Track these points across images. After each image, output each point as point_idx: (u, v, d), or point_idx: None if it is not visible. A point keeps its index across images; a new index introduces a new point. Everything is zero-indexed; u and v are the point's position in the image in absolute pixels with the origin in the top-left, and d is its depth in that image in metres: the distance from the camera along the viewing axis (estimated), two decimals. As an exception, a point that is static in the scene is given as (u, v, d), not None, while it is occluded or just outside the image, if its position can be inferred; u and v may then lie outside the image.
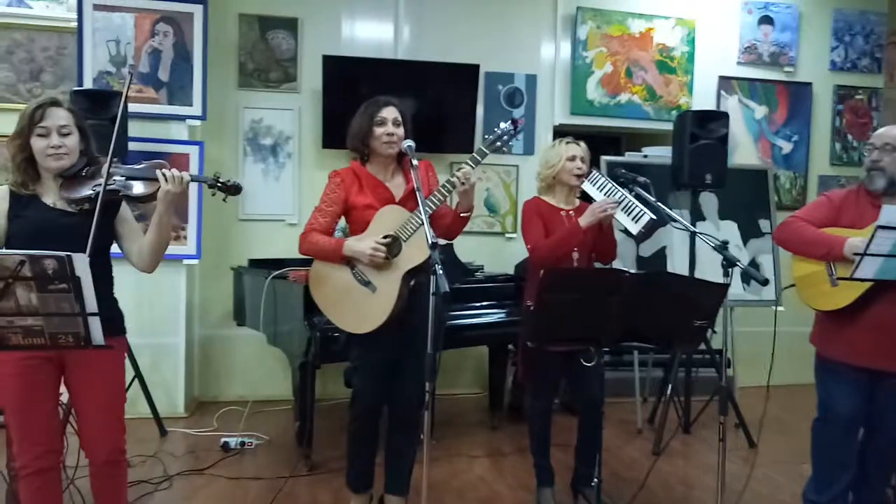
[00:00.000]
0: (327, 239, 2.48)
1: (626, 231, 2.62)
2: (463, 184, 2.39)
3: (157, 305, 4.09)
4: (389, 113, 2.48)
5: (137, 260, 2.10)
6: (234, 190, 2.11)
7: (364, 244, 2.41)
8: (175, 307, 4.14)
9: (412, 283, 2.46)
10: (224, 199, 2.16)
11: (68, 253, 1.55)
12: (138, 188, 2.04)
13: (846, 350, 2.40)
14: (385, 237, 2.44)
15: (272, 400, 4.30)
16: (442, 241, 3.61)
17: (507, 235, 4.89)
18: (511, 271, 4.42)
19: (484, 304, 3.86)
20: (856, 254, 2.17)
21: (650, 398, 4.43)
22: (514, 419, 4.18)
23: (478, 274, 4.20)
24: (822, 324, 2.53)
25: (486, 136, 2.48)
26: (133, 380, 3.64)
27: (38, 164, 1.99)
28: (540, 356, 2.63)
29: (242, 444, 3.55)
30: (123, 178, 2.03)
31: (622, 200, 2.55)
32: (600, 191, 2.67)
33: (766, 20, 5.13)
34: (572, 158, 2.72)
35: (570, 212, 2.75)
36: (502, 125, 2.43)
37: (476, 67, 4.60)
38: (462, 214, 2.51)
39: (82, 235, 1.83)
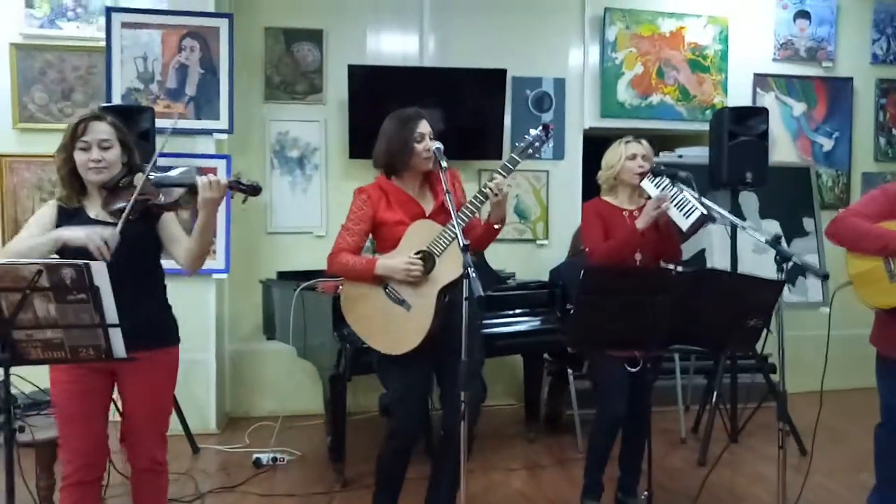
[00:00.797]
0: (358, 258, 2.40)
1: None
2: (496, 195, 2.30)
3: (186, 320, 3.92)
4: (425, 127, 2.41)
5: (182, 262, 2.12)
6: (253, 190, 2.06)
7: (398, 261, 2.32)
8: (205, 322, 4.11)
9: (446, 299, 2.36)
10: (243, 202, 2.11)
11: (86, 261, 1.50)
12: (173, 195, 2.05)
13: None
14: (417, 253, 2.34)
15: (304, 415, 4.24)
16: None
17: (539, 242, 4.78)
18: (542, 278, 4.30)
19: (517, 312, 3.76)
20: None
21: (692, 406, 4.26)
22: (551, 431, 4.06)
23: (510, 281, 4.10)
24: (883, 323, 2.38)
25: (517, 144, 2.42)
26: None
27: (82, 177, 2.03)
28: (606, 366, 2.53)
29: (274, 460, 3.49)
30: (157, 186, 2.04)
31: (675, 195, 2.44)
32: (657, 188, 2.57)
33: (803, 15, 4.96)
34: (632, 157, 2.64)
35: (634, 212, 2.65)
36: (532, 132, 2.38)
37: (503, 72, 4.53)
38: (495, 226, 2.40)
39: (122, 247, 1.88)
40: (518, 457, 3.63)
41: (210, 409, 4.10)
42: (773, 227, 4.08)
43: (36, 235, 1.97)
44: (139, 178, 2.00)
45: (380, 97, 4.20)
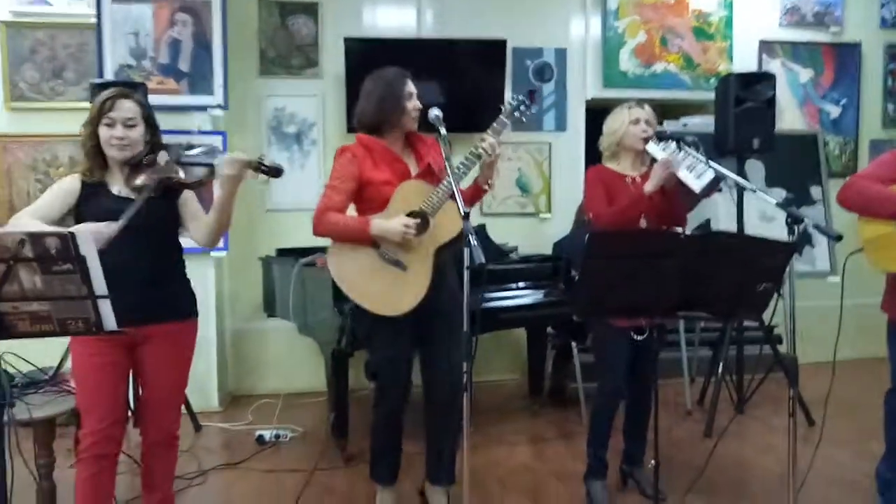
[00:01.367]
0: (349, 217, 2.35)
1: (684, 190, 2.44)
2: (490, 155, 2.29)
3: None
4: (412, 87, 2.42)
5: (199, 237, 2.15)
6: (275, 172, 2.06)
7: (395, 222, 2.28)
8: (205, 301, 3.98)
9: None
10: (266, 182, 2.10)
11: (71, 230, 1.45)
12: (194, 174, 2.07)
13: None
14: (410, 213, 2.30)
15: (307, 392, 4.22)
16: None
17: (542, 216, 4.72)
18: (545, 252, 4.25)
19: (520, 285, 3.71)
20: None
21: (698, 378, 4.22)
22: (555, 404, 4.03)
23: (512, 255, 4.05)
24: (893, 288, 2.31)
25: (502, 107, 2.40)
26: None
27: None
28: (609, 337, 2.49)
29: (277, 436, 3.47)
30: (178, 165, 2.07)
31: (686, 158, 2.37)
32: (663, 150, 2.49)
33: (810, -22, 4.84)
34: (636, 122, 2.56)
35: (637, 178, 2.58)
36: (517, 96, 2.39)
37: (503, 43, 4.44)
38: (483, 188, 2.39)
39: (141, 221, 1.94)
40: (522, 430, 3.61)
41: (212, 388, 4.08)
42: (780, 195, 4.01)
43: (55, 204, 2.01)
44: (162, 157, 2.04)
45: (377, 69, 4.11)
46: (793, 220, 1.88)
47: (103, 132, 2.01)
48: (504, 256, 3.95)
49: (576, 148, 4.70)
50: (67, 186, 2.05)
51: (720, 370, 3.62)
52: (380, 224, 2.29)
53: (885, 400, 2.42)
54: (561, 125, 4.69)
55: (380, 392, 2.46)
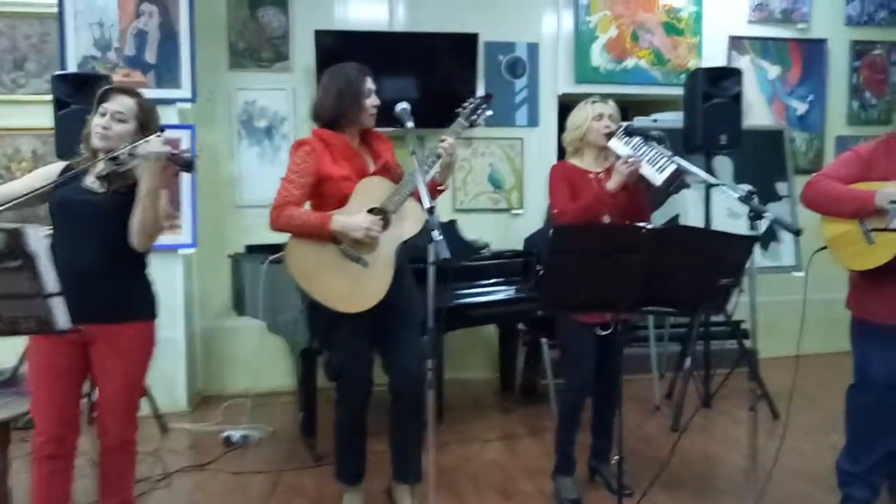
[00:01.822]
0: (309, 212, 2.32)
1: (649, 186, 2.45)
2: (450, 155, 2.31)
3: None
4: (372, 84, 2.40)
5: (131, 238, 2.04)
6: (185, 166, 2.04)
7: (358, 219, 2.26)
8: (172, 299, 3.99)
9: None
10: (175, 174, 2.06)
11: (19, 225, 1.41)
12: (132, 162, 2.01)
13: (887, 311, 2.24)
14: (371, 210, 2.29)
15: (278, 391, 4.18)
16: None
17: (514, 211, 4.71)
18: (518, 247, 4.25)
19: (491, 281, 3.71)
20: (892, 202, 1.99)
21: (667, 374, 4.26)
22: (527, 401, 4.04)
23: (484, 251, 4.04)
24: (858, 286, 2.36)
25: (458, 110, 2.42)
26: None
27: None
28: (574, 332, 2.49)
29: (245, 437, 3.42)
30: (130, 155, 2.00)
31: (648, 153, 2.38)
32: (627, 147, 2.49)
33: (777, -24, 4.89)
34: (599, 117, 2.56)
35: (601, 174, 2.57)
36: (473, 99, 2.43)
37: (474, 37, 4.42)
38: (440, 188, 2.40)
39: (96, 214, 1.97)
40: (493, 427, 3.61)
41: (181, 388, 4.02)
42: (748, 190, 4.05)
43: (27, 185, 1.99)
44: (126, 148, 1.99)
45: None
46: (754, 215, 1.90)
47: (94, 120, 2.02)
48: (475, 252, 3.94)
49: (548, 143, 4.69)
50: (45, 172, 2.06)
51: (687, 365, 3.65)
52: (342, 220, 2.26)
53: (847, 395, 2.45)
54: (533, 120, 4.69)
55: (342, 391, 2.44)
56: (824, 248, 2.34)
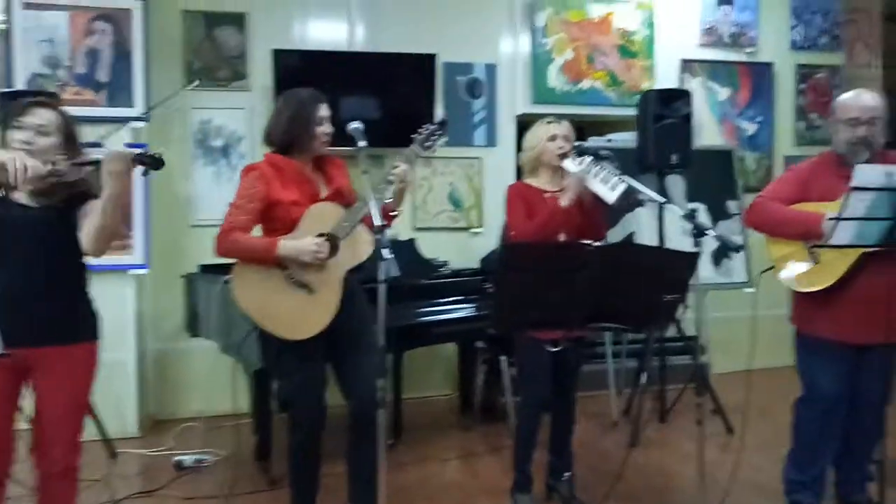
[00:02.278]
0: (256, 238, 2.29)
1: (603, 204, 2.49)
2: (402, 182, 2.31)
3: (103, 319, 3.85)
4: (325, 111, 2.38)
5: (86, 243, 1.99)
6: (155, 163, 1.99)
7: (306, 242, 2.23)
8: (123, 321, 3.90)
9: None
10: (144, 174, 2.03)
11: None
12: (82, 172, 1.98)
13: (831, 327, 2.30)
14: (320, 235, 2.27)
15: (233, 414, 4.07)
16: (387, 236, 3.46)
17: (473, 230, 4.74)
18: (477, 266, 4.27)
19: (450, 300, 3.71)
20: (831, 218, 2.06)
21: (625, 389, 4.30)
22: (487, 419, 4.03)
23: (442, 270, 4.04)
24: (802, 303, 2.42)
25: (415, 136, 2.43)
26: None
27: None
28: (529, 349, 2.49)
29: (198, 461, 3.34)
30: (73, 167, 1.97)
31: (599, 172, 2.42)
32: (579, 165, 2.52)
33: (726, 1, 5.06)
34: (553, 138, 2.59)
35: (556, 193, 2.59)
36: (428, 126, 2.43)
37: (433, 57, 4.46)
38: (392, 213, 2.38)
39: (36, 230, 1.92)
40: (453, 446, 3.59)
41: (131, 412, 3.90)
42: (699, 210, 4.14)
43: None
44: (60, 160, 1.96)
45: (307, 83, 4.01)
46: (697, 232, 1.94)
47: (13, 135, 1.95)
48: (434, 271, 3.94)
49: (506, 163, 4.74)
50: None
51: (643, 381, 3.69)
52: (289, 244, 2.24)
53: (795, 407, 2.51)
54: (491, 140, 4.74)
55: (294, 419, 2.40)
56: (772, 267, 2.40)
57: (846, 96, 2.35)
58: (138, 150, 1.99)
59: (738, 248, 1.92)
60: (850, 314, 2.24)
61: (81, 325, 2.06)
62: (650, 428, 3.74)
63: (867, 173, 1.96)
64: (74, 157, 2.01)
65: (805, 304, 2.40)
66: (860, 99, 2.30)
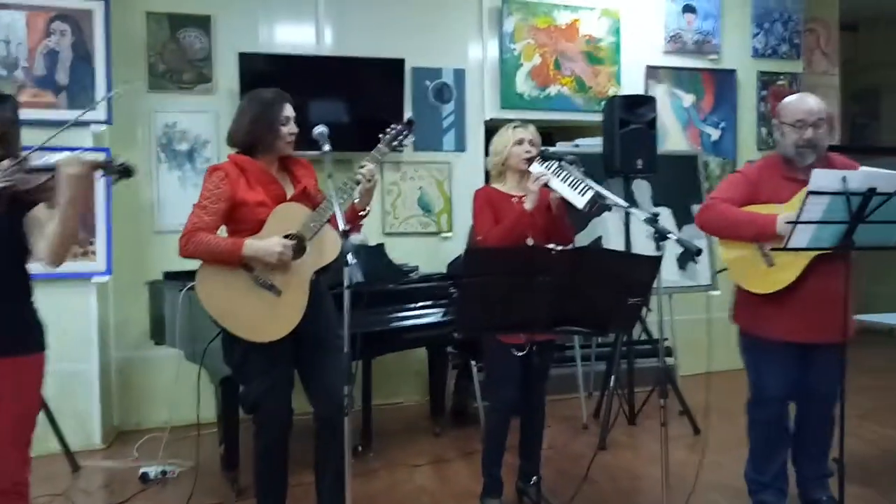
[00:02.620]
0: (221, 238, 2.25)
1: (571, 209, 2.51)
2: (369, 181, 2.31)
3: (64, 329, 3.71)
4: (290, 111, 2.36)
5: (42, 252, 1.92)
6: (125, 172, 1.92)
7: (271, 242, 2.21)
8: (85, 330, 3.81)
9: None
10: (114, 182, 1.97)
11: None
12: (40, 179, 1.88)
13: (780, 327, 2.33)
14: (287, 236, 2.25)
15: (201, 423, 4.00)
16: (356, 241, 3.44)
17: (443, 235, 4.74)
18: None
19: (419, 304, 3.69)
20: (788, 222, 2.10)
21: (595, 393, 4.34)
22: (458, 424, 4.03)
23: (412, 275, 4.03)
24: (749, 303, 2.43)
25: (382, 136, 2.43)
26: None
27: None
28: (497, 353, 2.49)
29: (164, 473, 3.27)
30: (23, 172, 1.87)
31: (567, 176, 2.43)
32: (546, 170, 2.54)
33: (689, 9, 5.16)
34: (520, 142, 2.60)
35: (523, 197, 2.59)
36: (395, 125, 2.43)
37: (401, 62, 4.45)
38: (360, 213, 2.39)
39: None
40: (423, 452, 3.57)
41: (94, 423, 3.81)
42: (665, 213, 4.20)
43: None
44: (5, 164, 1.86)
45: (273, 86, 4.01)
46: (659, 236, 1.97)
47: None
48: (404, 276, 3.93)
49: (476, 167, 4.76)
50: None
51: (612, 384, 3.73)
52: (254, 245, 2.21)
53: (746, 408, 2.54)
54: (460, 145, 4.75)
55: (260, 423, 2.36)
56: (725, 269, 2.43)
57: (791, 99, 2.40)
58: (104, 158, 1.92)
59: (698, 252, 1.94)
60: (800, 315, 2.27)
61: (27, 335, 1.97)
62: (619, 430, 3.77)
63: (823, 178, 2.01)
64: (23, 161, 1.91)
65: (751, 305, 2.41)
66: (805, 102, 2.35)
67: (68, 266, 3.66)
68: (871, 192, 2.03)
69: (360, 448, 3.50)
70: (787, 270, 2.25)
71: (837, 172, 2.03)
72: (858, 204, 2.03)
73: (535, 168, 2.49)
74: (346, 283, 1.90)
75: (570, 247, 2.47)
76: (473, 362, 3.72)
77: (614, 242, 3.99)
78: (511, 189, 2.65)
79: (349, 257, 1.88)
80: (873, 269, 5.74)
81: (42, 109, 3.73)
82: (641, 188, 4.14)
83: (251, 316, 2.23)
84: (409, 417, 4.23)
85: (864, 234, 2.11)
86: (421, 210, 4.70)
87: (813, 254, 2.20)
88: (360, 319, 3.24)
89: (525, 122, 2.72)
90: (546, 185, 2.44)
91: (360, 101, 4.39)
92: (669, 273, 3.96)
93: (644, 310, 1.97)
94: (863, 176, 2.04)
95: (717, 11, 5.22)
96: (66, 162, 1.84)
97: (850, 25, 6.59)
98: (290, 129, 2.34)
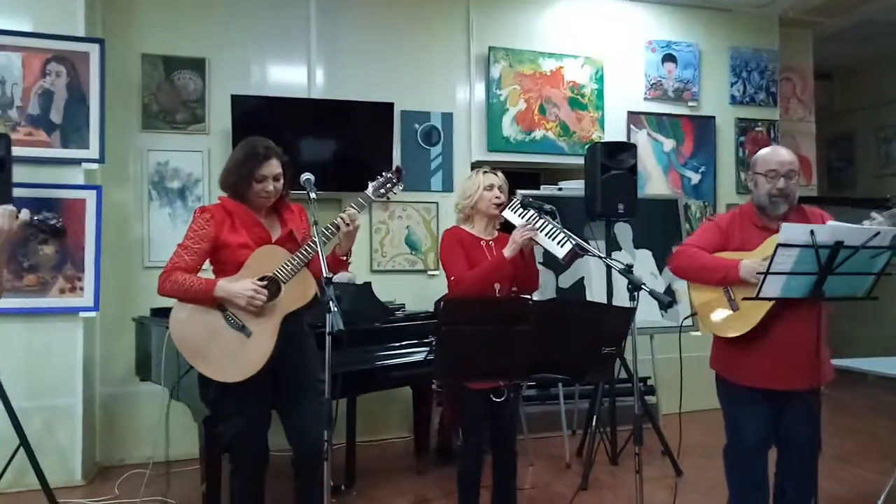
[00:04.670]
0: (195, 278, 2.29)
1: (547, 259, 2.58)
2: (348, 225, 2.37)
3: (49, 364, 3.77)
4: (270, 170, 2.37)
5: None
6: (54, 232, 1.95)
7: (242, 285, 2.26)
8: (71, 365, 3.82)
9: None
10: (45, 241, 2.01)
11: None
12: None
13: (751, 374, 2.38)
14: (261, 279, 2.30)
15: (182, 460, 4.00)
16: (344, 278, 3.49)
17: (430, 273, 4.81)
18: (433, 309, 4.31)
19: (405, 343, 3.73)
20: (759, 273, 2.18)
21: (578, 431, 4.37)
22: (442, 462, 4.03)
23: (398, 313, 4.08)
24: (722, 348, 2.50)
25: (371, 183, 2.51)
26: (17, 449, 3.28)
27: None
28: (464, 395, 2.50)
29: (144, 510, 3.25)
30: None
31: (545, 226, 2.50)
32: (522, 218, 2.59)
33: (670, 58, 5.35)
34: (490, 188, 2.65)
35: (490, 242, 2.67)
36: (385, 174, 2.50)
37: (390, 106, 4.57)
38: (342, 257, 2.44)
39: None
40: (406, 491, 3.58)
41: (76, 459, 3.79)
42: (646, 256, 4.30)
43: None
44: None
45: (265, 128, 4.07)
46: (633, 287, 2.04)
47: None
48: (390, 314, 3.97)
49: (462, 208, 4.84)
50: None
51: (594, 423, 3.77)
52: (225, 287, 2.26)
53: (724, 452, 2.57)
54: (448, 186, 4.85)
55: (235, 461, 2.39)
56: (695, 314, 2.50)
57: (764, 151, 2.51)
58: (37, 217, 1.93)
59: (669, 304, 2.02)
60: (771, 361, 2.33)
61: None
62: (601, 469, 3.80)
63: (792, 231, 2.10)
64: None
65: (726, 350, 2.47)
66: (778, 153, 2.45)
67: (55, 300, 3.75)
68: (839, 244, 2.12)
69: (342, 486, 3.50)
70: (749, 315, 2.33)
71: (806, 226, 2.12)
72: (827, 256, 2.12)
73: (512, 218, 2.56)
74: (328, 329, 1.95)
75: (538, 295, 2.52)
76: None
77: (596, 283, 4.08)
78: (479, 232, 2.69)
79: (331, 304, 1.93)
80: (852, 310, 5.86)
81: (34, 148, 3.79)
82: (623, 231, 4.24)
83: (219, 356, 2.26)
84: (393, 455, 4.24)
85: (833, 285, 2.19)
86: (408, 248, 4.77)
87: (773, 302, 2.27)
88: (344, 358, 3.27)
89: (510, 164, 2.79)
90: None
91: (350, 143, 4.49)
92: (650, 314, 4.03)
93: (619, 358, 2.01)
94: (829, 230, 2.13)
95: (696, 61, 5.41)
96: None
97: (824, 74, 6.84)
98: (266, 186, 2.35)
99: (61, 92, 3.88)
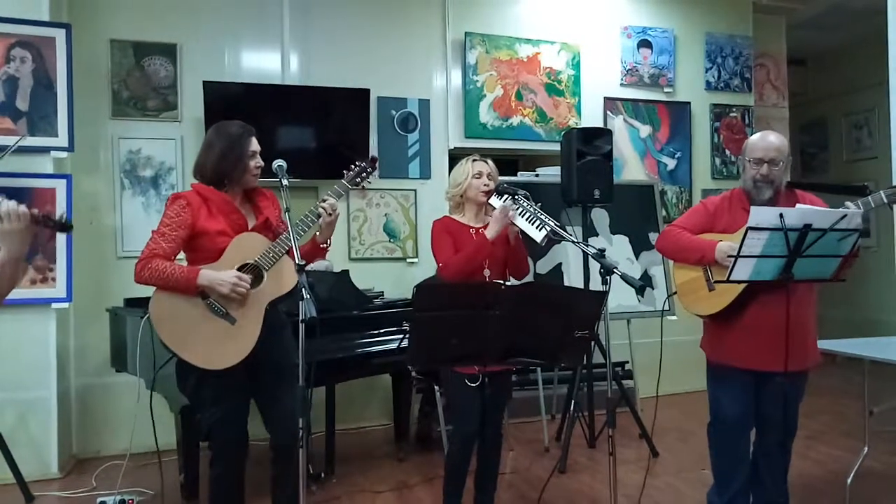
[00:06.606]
0: (177, 266, 2.26)
1: (525, 244, 2.61)
2: (330, 215, 2.37)
3: (21, 355, 3.71)
4: (256, 145, 2.41)
5: None
6: (62, 227, 1.88)
7: (226, 274, 2.24)
8: (44, 357, 3.76)
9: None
10: (51, 238, 1.96)
11: None
12: None
13: (730, 353, 2.45)
14: (243, 266, 2.29)
15: (162, 451, 3.96)
16: (322, 266, 3.47)
17: (409, 260, 4.80)
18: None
19: (383, 330, 3.73)
20: (729, 256, 2.22)
21: (557, 415, 4.42)
22: (422, 449, 4.05)
23: (376, 300, 4.07)
24: (709, 329, 2.58)
25: (346, 172, 2.51)
26: (-10, 442, 3.24)
27: None
28: (456, 384, 2.53)
29: (122, 502, 3.22)
30: None
31: (525, 209, 2.52)
32: (503, 203, 2.62)
33: (645, 44, 5.37)
34: (478, 175, 2.68)
35: (481, 229, 2.68)
36: (359, 163, 2.51)
37: (366, 92, 4.54)
38: (322, 246, 2.44)
39: None
40: (386, 478, 3.59)
41: (51, 451, 3.74)
42: (623, 241, 4.34)
43: None
44: None
45: (238, 115, 3.99)
46: (605, 271, 2.06)
47: None
48: (368, 302, 3.97)
49: (440, 195, 4.79)
50: None
51: (572, 407, 3.81)
52: (209, 275, 2.24)
53: (707, 431, 2.64)
54: (425, 173, 4.84)
55: (215, 450, 2.38)
56: (675, 293, 2.56)
57: (754, 137, 2.54)
58: (42, 214, 1.83)
59: (641, 289, 2.04)
60: (751, 343, 2.39)
61: None
62: (579, 453, 3.85)
63: (761, 214, 2.13)
64: None
65: (711, 331, 2.56)
66: (765, 139, 2.48)
67: (27, 292, 3.69)
68: (807, 227, 2.15)
69: (322, 474, 3.50)
70: (723, 295, 2.39)
71: (775, 210, 2.14)
72: (795, 239, 2.15)
73: (497, 203, 2.59)
74: (301, 316, 1.94)
75: (523, 279, 2.55)
76: (437, 388, 3.76)
77: (574, 268, 4.10)
78: (469, 220, 2.73)
79: (304, 292, 1.93)
80: (829, 294, 5.97)
81: (1, 136, 3.71)
82: (600, 217, 4.27)
83: (204, 344, 2.24)
84: (373, 442, 4.25)
85: (802, 268, 2.23)
86: (387, 236, 4.76)
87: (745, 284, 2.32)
88: (323, 346, 3.28)
89: (488, 150, 2.81)
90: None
91: (326, 130, 4.46)
92: (627, 299, 4.07)
93: (593, 343, 2.04)
94: (798, 213, 2.16)
95: (671, 47, 5.44)
96: (7, 217, 1.74)
97: (798, 60, 6.91)
98: (257, 162, 2.39)
99: (27, 78, 3.79)
